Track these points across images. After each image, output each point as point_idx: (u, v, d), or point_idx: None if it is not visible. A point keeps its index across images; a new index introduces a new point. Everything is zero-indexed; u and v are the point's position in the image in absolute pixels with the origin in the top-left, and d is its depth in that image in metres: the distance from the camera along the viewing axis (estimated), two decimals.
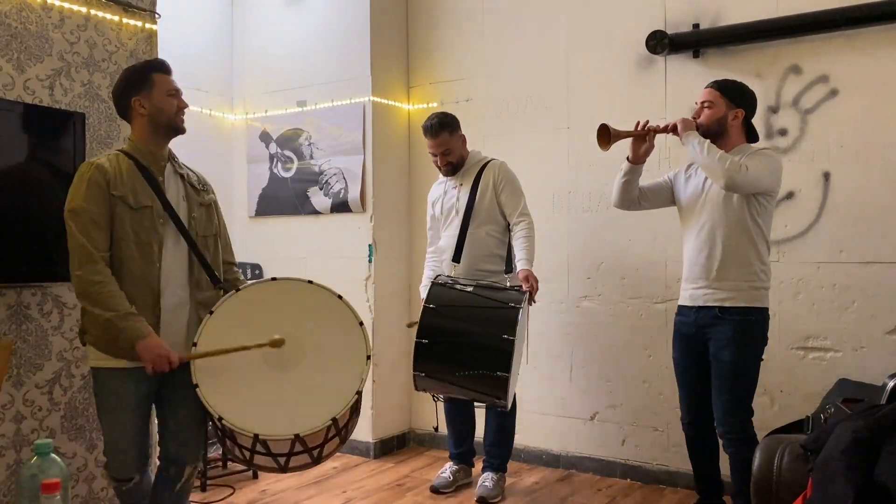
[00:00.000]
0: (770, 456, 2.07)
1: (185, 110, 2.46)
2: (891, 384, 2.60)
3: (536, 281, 3.26)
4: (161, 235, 2.37)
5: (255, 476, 3.84)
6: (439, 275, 3.34)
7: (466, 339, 3.02)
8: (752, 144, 2.92)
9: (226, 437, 2.30)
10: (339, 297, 2.44)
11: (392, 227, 4.36)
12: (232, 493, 3.56)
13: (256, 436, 2.19)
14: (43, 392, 2.65)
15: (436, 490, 3.59)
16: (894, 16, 3.14)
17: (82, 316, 2.37)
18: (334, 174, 4.33)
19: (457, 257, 3.43)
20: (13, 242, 2.51)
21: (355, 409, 2.37)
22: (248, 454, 2.29)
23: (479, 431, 3.74)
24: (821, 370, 3.31)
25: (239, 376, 2.29)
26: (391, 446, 4.35)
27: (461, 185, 3.54)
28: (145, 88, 2.39)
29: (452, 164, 3.52)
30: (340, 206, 4.31)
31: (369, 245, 4.24)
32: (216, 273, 2.50)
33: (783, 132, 3.42)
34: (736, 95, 2.88)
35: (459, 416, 3.73)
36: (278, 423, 2.21)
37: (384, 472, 3.96)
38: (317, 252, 4.33)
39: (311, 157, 4.42)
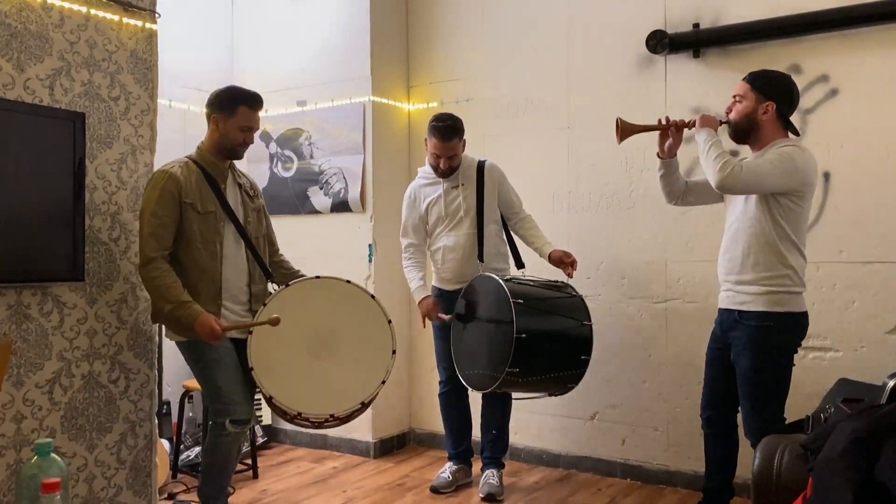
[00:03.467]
0: (770, 456, 2.07)
1: (251, 138, 2.85)
2: (891, 384, 2.60)
3: (571, 256, 3.41)
4: (222, 235, 2.78)
5: (255, 476, 3.84)
6: (481, 274, 3.35)
7: (555, 330, 3.18)
8: (787, 140, 2.75)
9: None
10: (372, 296, 2.85)
11: (392, 227, 4.34)
12: (232, 493, 3.55)
13: (299, 413, 2.67)
14: (43, 392, 2.65)
15: (436, 490, 3.59)
16: (894, 16, 3.14)
17: (152, 300, 2.77)
18: (334, 174, 4.33)
19: (481, 256, 3.47)
20: (13, 242, 2.51)
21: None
22: (289, 418, 2.75)
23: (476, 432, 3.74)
24: (821, 370, 3.30)
25: (287, 362, 2.71)
26: (391, 446, 4.35)
27: (462, 185, 3.54)
28: (227, 113, 2.79)
29: (453, 167, 3.52)
30: (340, 206, 4.31)
31: (369, 245, 4.24)
32: (267, 268, 2.91)
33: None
34: (767, 87, 2.72)
35: (456, 416, 3.73)
36: (317, 404, 2.68)
37: (384, 472, 3.96)
38: (317, 252, 4.32)
39: (311, 157, 4.42)
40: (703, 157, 2.71)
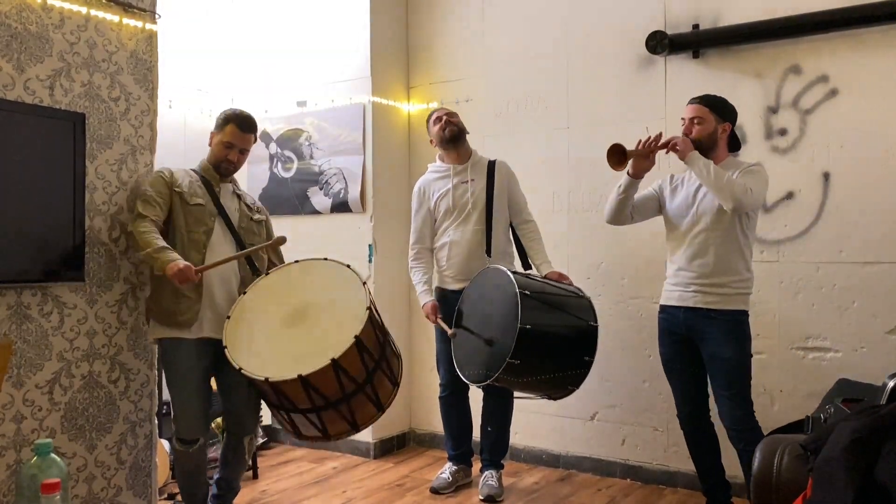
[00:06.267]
0: (770, 456, 2.07)
1: (233, 155, 2.92)
2: (891, 384, 2.60)
3: (568, 279, 3.39)
4: (209, 227, 2.84)
5: (255, 476, 3.84)
6: (489, 266, 3.32)
7: (561, 326, 3.13)
8: (737, 157, 3.05)
9: (268, 403, 2.75)
10: (348, 266, 2.81)
11: (392, 227, 4.35)
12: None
13: (267, 379, 2.53)
14: (43, 392, 2.65)
15: (435, 491, 3.59)
16: (894, 16, 3.14)
17: (149, 297, 2.89)
18: (334, 174, 4.33)
19: (489, 251, 3.47)
20: (13, 242, 2.51)
21: (378, 367, 2.70)
22: (285, 416, 2.71)
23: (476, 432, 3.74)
24: (821, 370, 3.31)
25: (260, 338, 2.70)
26: (391, 446, 4.35)
27: (472, 180, 3.54)
28: (218, 129, 2.94)
29: (456, 127, 3.53)
30: (340, 206, 4.31)
31: (369, 245, 4.24)
32: (256, 266, 2.94)
33: (783, 132, 3.42)
34: (723, 110, 2.98)
35: (456, 419, 3.72)
36: (285, 367, 2.55)
37: (384, 472, 3.96)
38: (317, 252, 4.26)
39: (311, 157, 4.42)
40: (712, 179, 2.85)
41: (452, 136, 3.53)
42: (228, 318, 2.75)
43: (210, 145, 2.97)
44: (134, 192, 2.88)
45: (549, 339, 3.08)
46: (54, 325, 2.68)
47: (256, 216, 3.05)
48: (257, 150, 4.58)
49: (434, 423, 4.22)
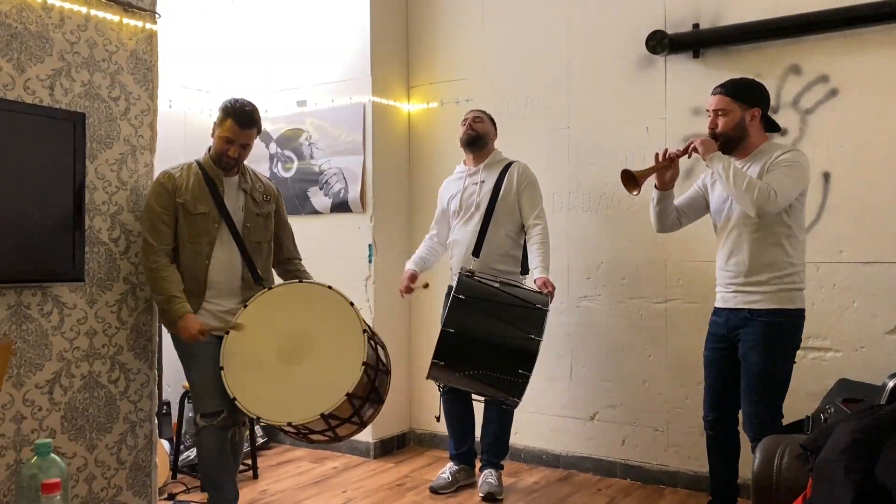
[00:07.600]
0: (770, 456, 2.07)
1: (233, 151, 2.86)
2: (891, 384, 2.60)
3: (553, 287, 3.33)
4: (213, 236, 2.84)
5: (255, 476, 3.84)
6: (463, 266, 3.36)
7: (494, 335, 3.07)
8: (774, 140, 2.90)
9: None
10: (351, 304, 2.75)
11: (392, 227, 4.35)
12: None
13: (258, 417, 2.62)
14: (43, 392, 2.65)
15: (435, 491, 3.59)
16: (894, 16, 3.14)
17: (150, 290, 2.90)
18: (334, 174, 4.33)
19: (476, 252, 3.48)
20: (13, 242, 2.51)
21: (367, 399, 2.71)
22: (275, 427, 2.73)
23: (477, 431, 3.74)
24: (821, 370, 3.30)
25: (256, 366, 2.71)
26: (391, 446, 4.35)
27: (483, 181, 3.56)
28: (218, 122, 2.88)
29: (474, 132, 3.57)
30: (340, 206, 4.31)
31: (369, 245, 4.24)
32: (260, 275, 2.94)
33: (783, 132, 3.42)
34: (748, 95, 2.82)
35: (459, 417, 3.72)
36: (277, 410, 2.61)
37: (384, 472, 3.96)
38: (317, 252, 4.31)
39: (311, 157, 4.42)
40: (731, 185, 2.71)
41: (468, 140, 3.59)
42: (227, 333, 2.77)
43: (212, 137, 2.94)
44: (145, 206, 2.85)
45: (475, 345, 3.05)
46: (54, 325, 2.68)
47: (264, 209, 3.00)
48: (257, 149, 4.58)
49: (434, 423, 4.22)
